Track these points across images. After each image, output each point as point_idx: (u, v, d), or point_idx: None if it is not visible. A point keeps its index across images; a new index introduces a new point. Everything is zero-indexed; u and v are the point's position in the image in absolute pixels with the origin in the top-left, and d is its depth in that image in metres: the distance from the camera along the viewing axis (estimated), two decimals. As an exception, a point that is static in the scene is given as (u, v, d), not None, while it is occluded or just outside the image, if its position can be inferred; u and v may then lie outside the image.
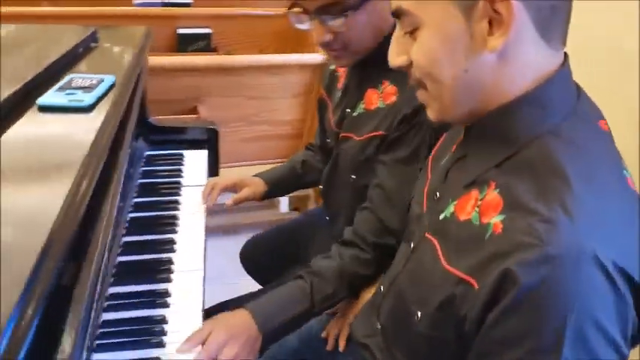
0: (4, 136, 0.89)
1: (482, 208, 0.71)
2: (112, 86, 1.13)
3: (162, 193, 1.47)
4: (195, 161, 1.64)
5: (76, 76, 1.12)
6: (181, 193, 1.48)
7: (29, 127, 0.95)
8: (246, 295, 1.50)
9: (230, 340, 1.06)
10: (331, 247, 1.46)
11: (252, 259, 1.72)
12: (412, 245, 0.89)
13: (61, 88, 1.07)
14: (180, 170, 1.58)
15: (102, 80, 1.12)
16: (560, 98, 0.72)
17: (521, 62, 0.70)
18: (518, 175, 0.69)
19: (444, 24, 0.69)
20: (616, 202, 0.67)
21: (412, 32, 0.73)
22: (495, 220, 0.68)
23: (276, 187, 1.64)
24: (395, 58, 0.79)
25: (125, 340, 1.02)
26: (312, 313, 1.18)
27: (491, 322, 0.65)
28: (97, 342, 0.98)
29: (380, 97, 1.22)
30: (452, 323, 0.71)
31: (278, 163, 1.76)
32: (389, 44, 1.18)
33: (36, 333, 0.57)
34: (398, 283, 0.91)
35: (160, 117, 1.77)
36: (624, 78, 1.32)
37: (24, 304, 0.56)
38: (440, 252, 0.77)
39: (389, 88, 1.21)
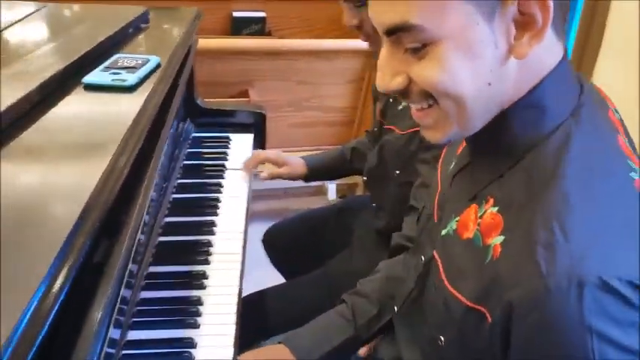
0: (50, 112, 0.92)
1: (482, 227, 0.66)
2: (156, 67, 1.13)
3: (206, 176, 1.47)
4: (241, 145, 1.64)
5: (122, 56, 1.13)
6: (225, 176, 1.49)
7: (73, 104, 0.97)
8: (282, 284, 1.50)
9: None
10: (371, 237, 1.46)
11: (275, 246, 1.70)
12: (423, 260, 0.84)
13: (106, 68, 1.08)
14: (225, 153, 1.58)
15: (147, 61, 1.12)
16: (559, 95, 0.65)
17: (536, 62, 0.63)
18: (516, 189, 0.64)
19: (464, 35, 0.60)
20: (620, 213, 0.60)
21: (418, 49, 0.62)
22: (496, 241, 0.63)
23: (318, 171, 1.65)
24: (389, 81, 0.66)
25: (160, 319, 1.03)
26: (360, 341, 1.04)
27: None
28: (133, 319, 1.00)
29: None
30: (478, 352, 0.66)
31: (327, 149, 1.74)
32: None
33: (64, 303, 0.58)
34: (419, 302, 0.85)
35: (210, 99, 1.78)
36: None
37: (55, 271, 0.58)
38: (442, 271, 0.73)
39: None
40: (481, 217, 0.67)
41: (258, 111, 1.73)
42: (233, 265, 1.19)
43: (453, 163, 0.83)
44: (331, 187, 2.57)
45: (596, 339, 0.54)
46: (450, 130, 0.67)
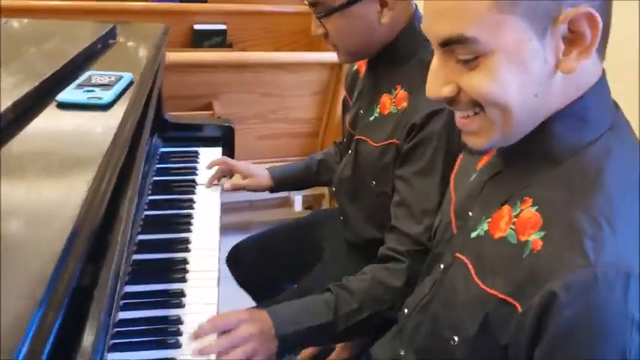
0: (24, 131, 0.89)
1: (518, 225, 0.69)
2: (130, 84, 1.12)
3: (177, 191, 1.46)
4: (210, 159, 1.62)
5: (95, 73, 1.12)
6: (196, 191, 1.47)
7: (49, 123, 0.95)
8: (256, 307, 1.49)
9: (250, 321, 1.04)
10: (343, 250, 1.46)
11: (240, 266, 1.68)
12: (442, 267, 0.87)
13: (79, 85, 1.06)
14: (195, 168, 1.57)
15: (120, 78, 1.11)
16: (599, 109, 0.70)
17: (579, 77, 0.68)
18: (557, 190, 0.67)
19: (517, 49, 0.65)
20: None
21: (470, 60, 0.67)
22: (534, 237, 0.66)
23: (284, 184, 1.65)
24: (438, 89, 0.71)
25: (141, 339, 1.01)
26: (335, 331, 1.10)
27: (543, 357, 0.62)
28: (113, 341, 0.98)
29: (392, 101, 1.22)
30: (494, 350, 0.69)
31: (293, 161, 1.74)
32: (396, 49, 1.21)
33: (57, 334, 0.56)
34: (429, 306, 0.88)
35: (175, 113, 1.77)
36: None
37: (46, 306, 0.56)
38: (473, 271, 0.75)
39: (401, 93, 1.21)
40: (516, 216, 0.70)
41: (227, 124, 1.72)
42: (210, 282, 1.18)
43: (474, 176, 0.86)
44: (297, 199, 2.58)
45: (635, 329, 0.57)
46: (493, 137, 0.71)
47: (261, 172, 1.61)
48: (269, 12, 2.86)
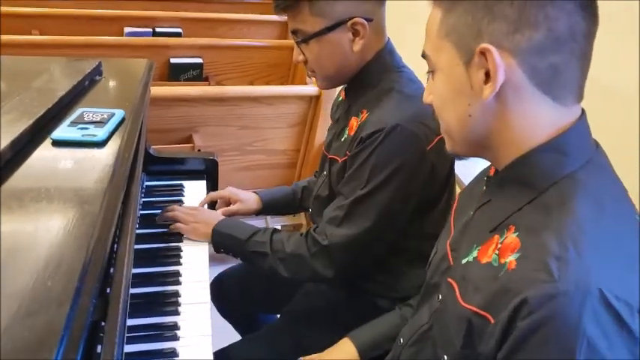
0: (22, 169, 0.90)
1: (501, 250, 0.74)
2: (122, 120, 1.14)
3: (164, 225, 1.47)
4: (195, 192, 1.64)
5: (87, 110, 1.13)
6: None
7: (46, 161, 0.96)
8: (243, 340, 1.50)
9: (201, 211, 1.46)
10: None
11: (222, 297, 1.70)
12: (440, 297, 0.91)
13: (73, 123, 1.08)
14: (181, 201, 1.58)
15: (113, 115, 1.13)
16: (578, 147, 0.75)
17: (528, 115, 0.74)
18: (535, 218, 0.72)
19: (449, 71, 0.76)
20: (626, 243, 0.70)
21: (432, 74, 0.81)
22: (510, 258, 0.71)
23: (271, 207, 1.70)
24: (426, 97, 0.86)
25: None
26: (243, 252, 1.36)
27: (502, 358, 0.67)
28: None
29: (359, 124, 1.29)
30: None
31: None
32: (365, 76, 1.29)
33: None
34: (429, 332, 0.92)
35: (156, 146, 1.78)
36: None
37: (67, 339, 0.57)
38: (457, 292, 0.80)
39: (366, 116, 1.28)
40: (501, 242, 0.75)
41: (211, 157, 1.74)
42: (203, 313, 1.19)
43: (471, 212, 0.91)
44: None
45: (586, 344, 0.61)
46: (448, 144, 0.85)
47: (248, 195, 1.64)
48: (243, 46, 2.91)
